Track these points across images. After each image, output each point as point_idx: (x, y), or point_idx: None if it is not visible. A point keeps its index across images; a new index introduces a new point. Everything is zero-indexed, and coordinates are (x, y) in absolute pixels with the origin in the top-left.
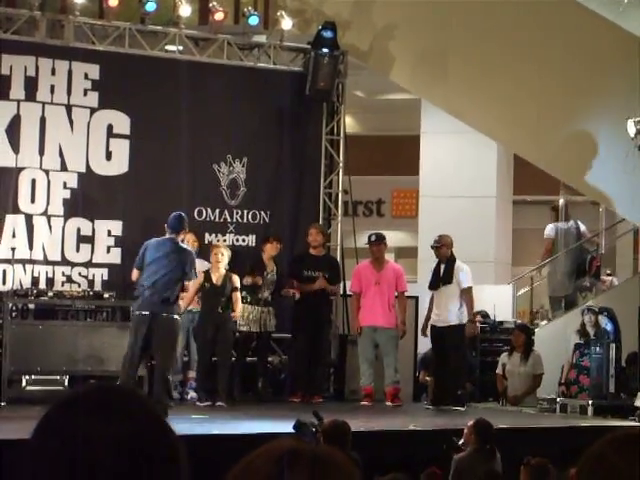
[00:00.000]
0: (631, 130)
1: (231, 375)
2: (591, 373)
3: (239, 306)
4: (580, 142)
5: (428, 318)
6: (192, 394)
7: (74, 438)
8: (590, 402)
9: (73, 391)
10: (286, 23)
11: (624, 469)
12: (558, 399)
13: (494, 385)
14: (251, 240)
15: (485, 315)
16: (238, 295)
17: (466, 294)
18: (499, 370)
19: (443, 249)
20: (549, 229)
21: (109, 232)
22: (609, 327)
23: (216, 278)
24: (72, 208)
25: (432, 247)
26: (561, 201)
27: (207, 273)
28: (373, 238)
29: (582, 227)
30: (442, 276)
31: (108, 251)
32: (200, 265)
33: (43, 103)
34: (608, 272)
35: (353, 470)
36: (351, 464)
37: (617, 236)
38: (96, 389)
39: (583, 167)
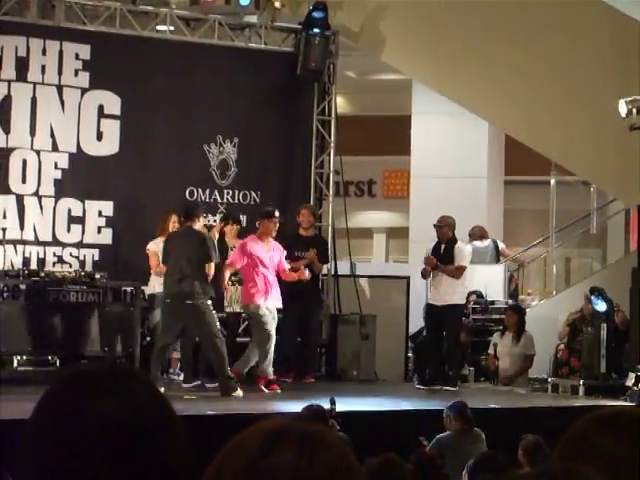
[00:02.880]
0: (622, 110)
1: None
2: (583, 352)
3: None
4: (571, 122)
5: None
6: (178, 376)
7: (73, 417)
8: (581, 382)
9: (75, 368)
10: (277, 3)
11: (606, 448)
12: (549, 379)
13: (486, 365)
14: (242, 220)
15: (479, 295)
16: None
17: (458, 269)
18: (491, 350)
19: (444, 229)
20: None
21: (100, 212)
22: (600, 307)
23: None
24: (63, 188)
25: (434, 226)
26: (552, 181)
27: None
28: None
29: (501, 245)
30: (441, 256)
31: (99, 231)
32: None
33: (34, 83)
34: (529, 292)
35: (343, 448)
36: (341, 442)
37: (608, 216)
38: (96, 368)
39: (574, 147)
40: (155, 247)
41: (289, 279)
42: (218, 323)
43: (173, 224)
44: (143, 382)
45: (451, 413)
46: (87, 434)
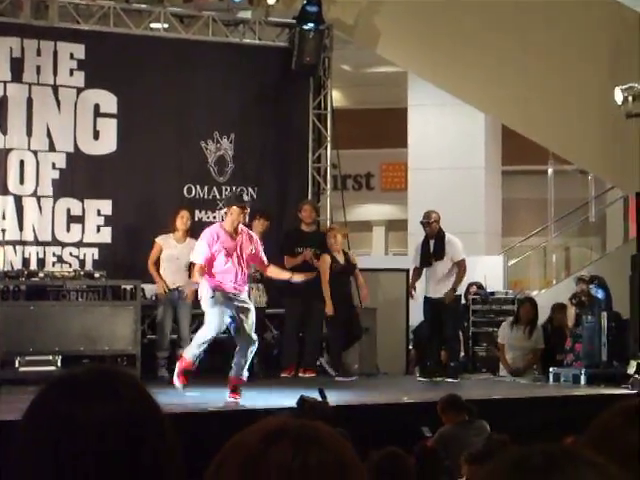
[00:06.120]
0: (618, 97)
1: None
2: (584, 341)
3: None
4: (567, 111)
5: (413, 288)
6: None
7: (60, 421)
8: (583, 371)
9: (62, 373)
10: None
11: (632, 442)
12: (551, 369)
13: (487, 356)
14: None
15: (480, 286)
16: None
17: (460, 265)
18: (501, 340)
19: (433, 225)
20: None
21: (99, 211)
22: (600, 295)
23: (340, 258)
24: (61, 188)
25: (422, 223)
26: (550, 170)
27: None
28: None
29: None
30: (433, 252)
31: (98, 230)
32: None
33: (29, 84)
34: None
35: (340, 443)
36: (338, 437)
37: (607, 204)
38: (86, 371)
39: (571, 136)
40: (160, 241)
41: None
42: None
43: (181, 219)
44: (128, 384)
45: (442, 409)
46: (76, 440)
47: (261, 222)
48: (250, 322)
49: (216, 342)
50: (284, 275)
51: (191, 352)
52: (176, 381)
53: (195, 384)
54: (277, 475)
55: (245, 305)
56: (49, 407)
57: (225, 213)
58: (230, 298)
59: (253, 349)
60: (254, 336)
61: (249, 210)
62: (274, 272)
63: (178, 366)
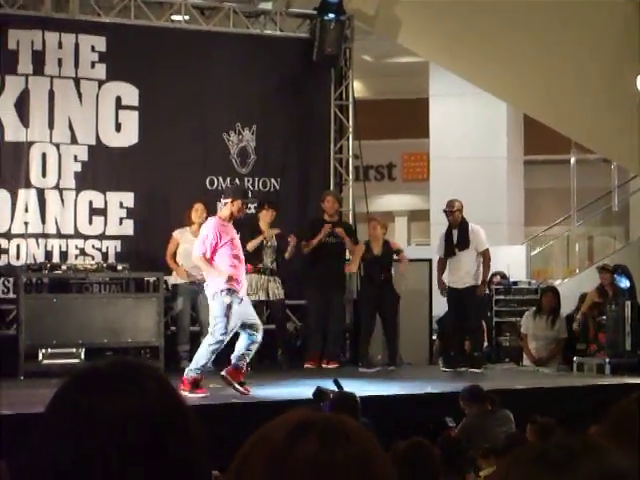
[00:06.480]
0: None
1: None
2: (608, 331)
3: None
4: (590, 99)
5: (442, 283)
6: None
7: (83, 414)
8: (607, 360)
9: (85, 366)
10: None
11: None
12: (575, 358)
13: (511, 346)
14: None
15: (503, 276)
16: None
17: (485, 255)
18: (524, 330)
19: (456, 213)
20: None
21: (121, 204)
22: (624, 284)
23: (375, 248)
24: (83, 181)
25: (445, 212)
26: (572, 159)
27: (367, 244)
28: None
29: None
30: (457, 242)
31: (120, 223)
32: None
33: (51, 77)
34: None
35: (365, 436)
36: (363, 430)
37: (630, 193)
38: (108, 364)
39: (594, 125)
40: (177, 235)
41: None
42: None
43: (196, 212)
44: (151, 376)
45: (464, 400)
46: (98, 433)
47: (269, 212)
48: (251, 312)
49: (235, 333)
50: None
51: (200, 364)
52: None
53: (216, 377)
54: (305, 470)
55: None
56: (71, 400)
57: (225, 203)
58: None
59: (258, 337)
60: (259, 324)
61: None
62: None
63: (187, 386)
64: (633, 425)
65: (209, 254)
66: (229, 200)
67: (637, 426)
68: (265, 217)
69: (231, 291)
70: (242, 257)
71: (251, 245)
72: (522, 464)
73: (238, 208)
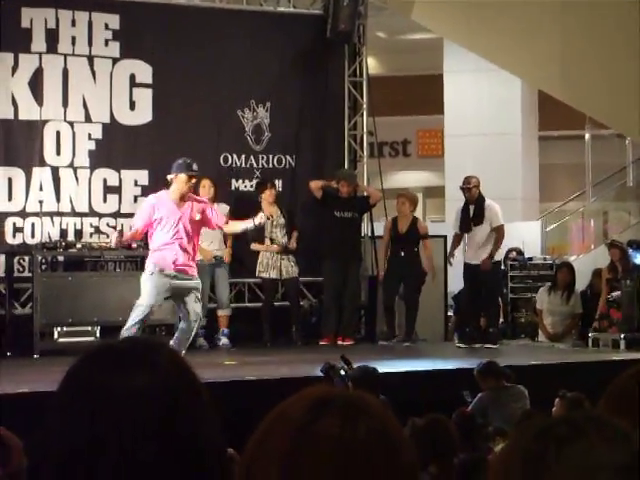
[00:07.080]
0: None
1: (260, 321)
2: (623, 306)
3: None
4: (604, 75)
5: (452, 255)
6: (224, 340)
7: (96, 390)
8: (622, 336)
9: (98, 344)
10: None
11: None
12: (590, 334)
13: (526, 322)
14: (278, 185)
15: (519, 252)
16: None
17: (498, 232)
18: (539, 306)
19: (473, 190)
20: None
21: (135, 182)
22: (638, 260)
23: (401, 225)
24: (98, 159)
25: (462, 189)
26: (587, 135)
27: (394, 221)
28: None
29: None
30: (473, 217)
31: (135, 201)
32: (221, 209)
33: (65, 55)
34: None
35: (386, 413)
36: (383, 407)
37: None
38: (122, 341)
39: (608, 100)
40: None
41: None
42: None
43: (203, 188)
44: (166, 353)
45: (479, 375)
46: (114, 410)
47: (272, 192)
48: (193, 301)
49: (249, 310)
50: (244, 225)
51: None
52: None
53: (232, 353)
54: (326, 446)
55: (186, 284)
56: (85, 377)
57: (170, 180)
58: (168, 278)
59: (195, 326)
60: (197, 313)
61: (195, 181)
62: (233, 226)
63: None
64: (632, 400)
65: (140, 225)
66: (172, 176)
67: (636, 401)
68: (268, 197)
69: (156, 267)
70: (183, 236)
71: (255, 247)
72: (526, 439)
73: (182, 182)
